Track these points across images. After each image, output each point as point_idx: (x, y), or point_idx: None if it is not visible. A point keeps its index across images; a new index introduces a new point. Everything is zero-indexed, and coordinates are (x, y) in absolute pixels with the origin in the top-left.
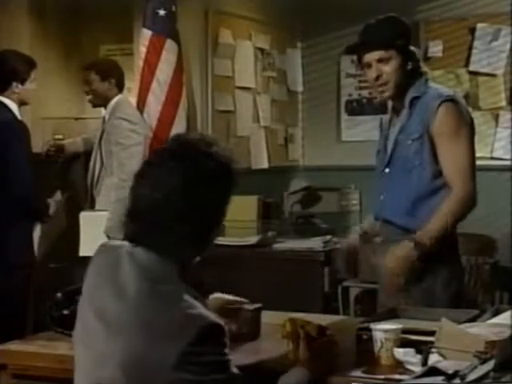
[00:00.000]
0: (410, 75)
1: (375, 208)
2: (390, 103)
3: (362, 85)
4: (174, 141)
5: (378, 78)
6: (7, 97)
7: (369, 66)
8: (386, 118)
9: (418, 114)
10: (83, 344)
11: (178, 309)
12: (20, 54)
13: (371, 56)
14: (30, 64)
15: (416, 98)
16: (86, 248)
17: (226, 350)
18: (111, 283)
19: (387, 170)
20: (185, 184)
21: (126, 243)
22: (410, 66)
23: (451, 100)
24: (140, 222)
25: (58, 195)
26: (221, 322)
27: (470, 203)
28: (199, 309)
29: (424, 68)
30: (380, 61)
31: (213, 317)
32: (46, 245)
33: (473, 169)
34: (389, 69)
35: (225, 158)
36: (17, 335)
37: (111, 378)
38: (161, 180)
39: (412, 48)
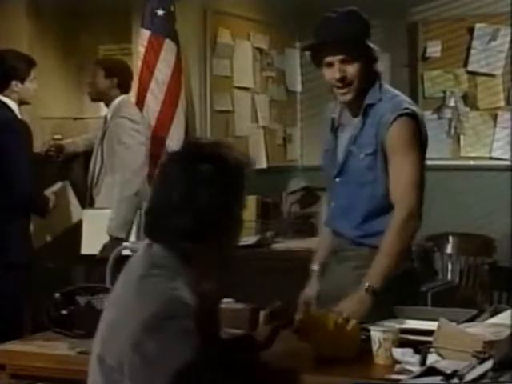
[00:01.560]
0: (369, 76)
1: (327, 216)
2: (338, 100)
3: None
4: (183, 145)
5: (341, 79)
6: (7, 96)
7: (330, 65)
8: (333, 115)
9: (372, 126)
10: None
11: (155, 286)
12: (19, 52)
13: (334, 56)
14: (30, 63)
15: (370, 106)
16: (88, 246)
17: (186, 331)
18: (124, 274)
19: (338, 180)
20: (182, 183)
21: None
22: (370, 66)
23: (407, 114)
24: (149, 218)
25: (58, 185)
26: (191, 302)
27: (415, 225)
28: (177, 289)
29: (379, 67)
30: (344, 61)
31: (185, 295)
32: (45, 243)
33: (420, 187)
34: (353, 70)
35: (224, 160)
36: (15, 335)
37: (95, 351)
38: (165, 180)
39: (372, 46)
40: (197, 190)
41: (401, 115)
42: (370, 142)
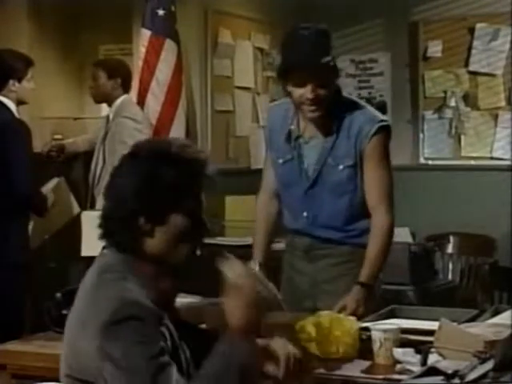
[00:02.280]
0: (336, 91)
1: (294, 223)
2: (291, 111)
3: (362, 85)
4: (134, 145)
5: (313, 99)
6: (5, 95)
7: (302, 85)
8: (292, 127)
9: (348, 138)
10: None
11: (107, 291)
12: (16, 52)
13: (310, 79)
14: (27, 62)
15: (341, 119)
16: (88, 248)
17: (143, 335)
18: (80, 288)
19: (310, 191)
20: (130, 178)
21: None
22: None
23: (386, 126)
24: (102, 220)
25: (54, 182)
26: (145, 301)
27: (392, 230)
28: (129, 290)
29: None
30: (318, 84)
31: (138, 296)
32: (44, 242)
33: (392, 193)
34: (325, 91)
35: (174, 157)
36: (15, 335)
37: (62, 371)
38: (116, 177)
39: (336, 64)
40: (142, 184)
41: (381, 127)
42: (348, 154)
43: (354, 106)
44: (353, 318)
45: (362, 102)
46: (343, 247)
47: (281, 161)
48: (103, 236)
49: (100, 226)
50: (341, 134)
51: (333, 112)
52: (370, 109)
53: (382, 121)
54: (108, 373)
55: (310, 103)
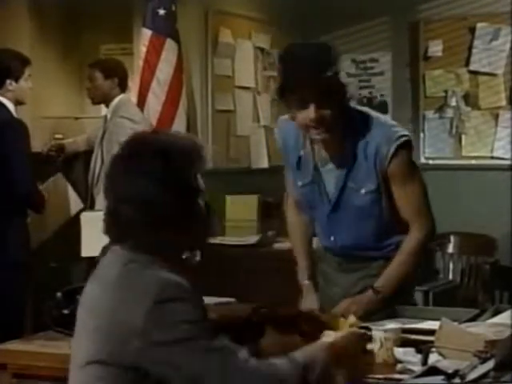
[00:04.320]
0: (346, 111)
1: (324, 242)
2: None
3: (363, 84)
4: (127, 140)
5: (316, 120)
6: (2, 95)
7: (305, 106)
8: (302, 153)
9: (367, 159)
10: (74, 339)
11: (141, 276)
12: (13, 51)
13: (311, 96)
14: (24, 61)
15: (356, 139)
16: (88, 248)
17: (191, 310)
18: (95, 275)
19: (332, 215)
20: (126, 176)
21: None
22: (346, 101)
23: (406, 143)
24: (106, 218)
25: (50, 180)
26: (184, 282)
27: (429, 241)
28: (167, 275)
29: (352, 95)
30: (320, 104)
31: (176, 278)
32: (45, 240)
33: (428, 203)
34: (330, 110)
35: (168, 149)
36: (16, 334)
37: (87, 352)
38: (112, 176)
39: (343, 82)
40: (141, 181)
41: (401, 146)
42: (369, 178)
43: (367, 122)
44: (353, 317)
45: (376, 114)
46: (377, 262)
47: (300, 183)
48: (118, 239)
49: (106, 220)
50: (358, 156)
51: (346, 132)
52: (386, 122)
53: (401, 137)
54: (161, 357)
55: (314, 125)
